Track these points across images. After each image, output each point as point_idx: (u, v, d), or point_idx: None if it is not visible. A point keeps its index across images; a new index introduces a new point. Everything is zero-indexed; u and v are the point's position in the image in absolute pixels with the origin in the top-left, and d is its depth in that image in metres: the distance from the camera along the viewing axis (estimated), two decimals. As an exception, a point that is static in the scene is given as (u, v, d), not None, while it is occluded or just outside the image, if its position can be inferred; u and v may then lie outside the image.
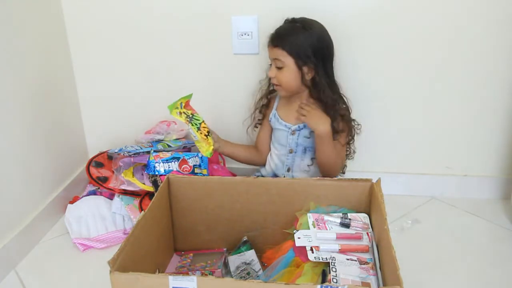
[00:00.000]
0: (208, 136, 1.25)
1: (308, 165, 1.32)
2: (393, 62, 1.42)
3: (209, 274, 1.09)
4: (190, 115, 1.25)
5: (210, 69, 1.51)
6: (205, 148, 1.24)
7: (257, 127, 1.45)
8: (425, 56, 1.40)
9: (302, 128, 1.30)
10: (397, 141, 1.53)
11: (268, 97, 1.39)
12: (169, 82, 1.56)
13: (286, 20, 1.28)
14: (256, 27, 1.42)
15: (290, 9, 1.38)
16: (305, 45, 1.21)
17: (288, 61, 1.22)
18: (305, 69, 1.23)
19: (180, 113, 1.25)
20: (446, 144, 1.51)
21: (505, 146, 1.48)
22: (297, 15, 1.38)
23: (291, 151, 1.32)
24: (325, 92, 1.25)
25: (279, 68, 1.24)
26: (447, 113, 1.47)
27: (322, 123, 1.22)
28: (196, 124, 1.24)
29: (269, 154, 1.40)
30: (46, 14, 1.42)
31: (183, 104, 1.28)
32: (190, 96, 1.30)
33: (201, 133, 1.24)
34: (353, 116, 1.34)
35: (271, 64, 1.28)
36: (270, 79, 1.31)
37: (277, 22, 1.40)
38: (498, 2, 1.31)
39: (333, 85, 1.29)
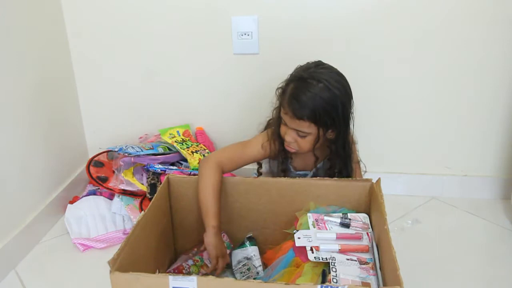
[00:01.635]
0: (194, 153, 1.44)
1: None
2: (393, 62, 1.42)
3: (200, 259, 1.08)
4: (184, 140, 1.50)
5: (210, 69, 1.51)
6: (190, 162, 1.42)
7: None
8: (425, 57, 1.40)
9: (315, 172, 1.21)
10: (397, 141, 1.53)
11: (284, 155, 1.18)
12: (169, 81, 1.56)
13: (299, 76, 1.06)
14: (256, 27, 1.42)
15: (290, 9, 1.39)
16: (334, 112, 1.03)
17: (313, 130, 1.06)
18: (328, 132, 1.08)
19: (173, 136, 1.50)
20: (446, 144, 1.51)
21: (505, 146, 1.48)
22: (297, 15, 1.39)
23: None
24: (345, 149, 1.13)
25: (301, 136, 1.08)
26: (447, 113, 1.47)
27: None
28: (184, 146, 1.47)
29: None
30: (45, 13, 1.42)
31: (181, 132, 1.53)
32: (187, 126, 1.57)
33: (187, 150, 1.46)
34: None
35: (285, 124, 1.10)
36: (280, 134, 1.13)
37: (277, 22, 1.41)
38: (498, 3, 1.31)
39: (348, 146, 1.15)
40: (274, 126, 1.15)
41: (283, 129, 1.11)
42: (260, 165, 1.29)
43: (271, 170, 1.25)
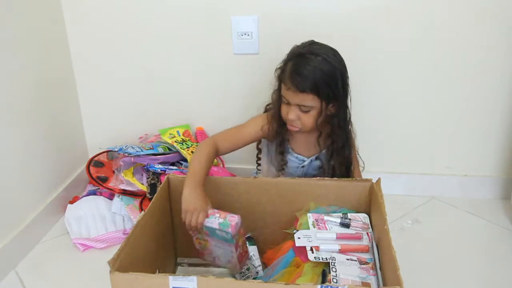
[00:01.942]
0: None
1: None
2: (393, 62, 1.42)
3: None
4: (184, 140, 1.50)
5: (210, 69, 1.51)
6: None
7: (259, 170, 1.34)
8: (425, 57, 1.40)
9: (314, 160, 1.22)
10: (397, 141, 1.53)
11: (281, 137, 1.20)
12: (168, 81, 1.56)
13: (297, 52, 1.10)
14: (256, 27, 1.42)
15: (290, 9, 1.39)
16: (335, 84, 1.06)
17: (316, 104, 1.07)
18: (329, 107, 1.10)
19: (173, 136, 1.50)
20: (446, 144, 1.51)
21: (505, 146, 1.48)
22: (297, 15, 1.39)
23: None
24: (339, 136, 1.14)
25: (304, 111, 1.09)
26: (447, 113, 1.47)
27: None
28: (184, 146, 1.46)
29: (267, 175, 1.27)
30: (45, 13, 1.42)
31: (181, 132, 1.53)
32: (187, 126, 1.57)
33: (187, 150, 1.45)
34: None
35: (286, 103, 1.11)
36: (280, 114, 1.14)
37: (277, 22, 1.40)
38: (498, 3, 1.31)
39: (348, 120, 1.16)
40: (273, 109, 1.17)
41: (284, 109, 1.12)
42: (259, 151, 1.31)
43: (269, 154, 1.26)
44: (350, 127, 1.18)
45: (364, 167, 1.26)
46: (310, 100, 1.06)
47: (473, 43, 1.37)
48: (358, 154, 1.25)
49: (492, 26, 1.34)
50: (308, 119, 1.10)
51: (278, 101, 1.15)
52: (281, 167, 1.22)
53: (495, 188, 1.52)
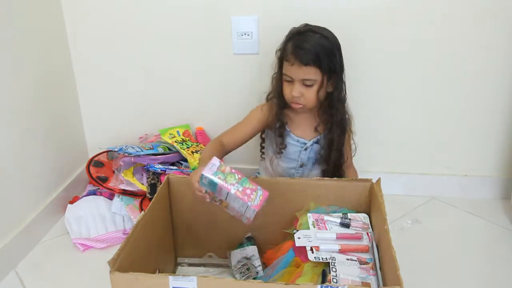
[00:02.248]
0: (194, 153, 1.44)
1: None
2: (393, 62, 1.42)
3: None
4: (184, 140, 1.50)
5: (210, 69, 1.51)
6: (190, 162, 1.42)
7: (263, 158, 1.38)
8: (425, 57, 1.40)
9: (315, 142, 1.25)
10: (397, 141, 1.53)
11: (280, 120, 1.23)
12: (168, 81, 1.56)
13: (296, 31, 1.17)
14: (256, 27, 1.42)
15: (290, 9, 1.39)
16: (334, 57, 1.13)
17: (318, 77, 1.13)
18: (329, 84, 1.16)
19: (173, 136, 1.50)
20: (446, 144, 1.51)
21: (505, 146, 1.48)
22: (297, 15, 1.38)
23: (302, 165, 1.27)
24: (339, 109, 1.19)
25: (307, 86, 1.14)
26: (447, 113, 1.47)
27: None
28: (184, 146, 1.47)
29: (270, 163, 1.30)
30: (45, 13, 1.42)
31: (181, 132, 1.54)
32: (187, 126, 1.57)
33: (187, 150, 1.46)
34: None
35: (289, 80, 1.16)
36: (281, 96, 1.19)
37: (277, 22, 1.40)
38: (498, 3, 1.31)
39: (344, 98, 1.22)
40: (275, 91, 1.22)
41: (288, 87, 1.17)
42: (263, 140, 1.33)
43: (269, 138, 1.29)
44: (346, 101, 1.23)
45: (355, 152, 1.31)
46: (313, 74, 1.12)
47: (473, 43, 1.37)
48: (352, 139, 1.30)
49: (492, 26, 1.34)
50: (311, 94, 1.14)
51: (279, 82, 1.20)
52: (280, 151, 1.25)
53: (495, 188, 1.52)
